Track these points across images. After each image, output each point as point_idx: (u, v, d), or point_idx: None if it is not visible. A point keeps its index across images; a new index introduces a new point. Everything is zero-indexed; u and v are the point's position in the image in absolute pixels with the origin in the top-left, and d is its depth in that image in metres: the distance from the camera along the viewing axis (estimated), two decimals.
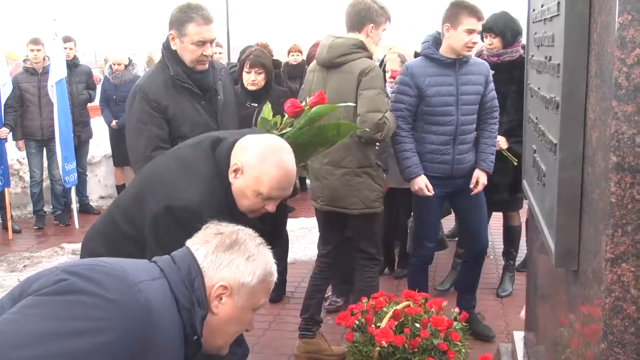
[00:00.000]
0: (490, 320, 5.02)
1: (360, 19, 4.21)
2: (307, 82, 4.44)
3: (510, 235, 5.83)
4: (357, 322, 3.55)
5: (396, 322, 3.44)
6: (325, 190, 4.34)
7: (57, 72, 7.83)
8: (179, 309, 1.90)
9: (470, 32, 4.32)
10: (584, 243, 1.95)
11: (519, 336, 3.51)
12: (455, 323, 3.54)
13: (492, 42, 5.36)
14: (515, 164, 5.10)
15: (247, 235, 2.09)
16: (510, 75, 5.16)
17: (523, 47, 5.02)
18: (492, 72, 5.07)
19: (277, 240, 4.46)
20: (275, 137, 2.91)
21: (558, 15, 2.14)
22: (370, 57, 4.27)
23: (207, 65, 3.69)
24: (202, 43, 3.58)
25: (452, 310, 3.68)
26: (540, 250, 2.78)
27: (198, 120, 3.63)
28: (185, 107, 3.64)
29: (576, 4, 1.95)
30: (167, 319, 1.85)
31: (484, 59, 5.29)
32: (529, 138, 3.01)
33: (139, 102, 3.59)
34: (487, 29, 5.30)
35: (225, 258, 2.01)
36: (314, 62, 4.47)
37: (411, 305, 3.57)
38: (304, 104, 3.29)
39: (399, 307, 3.53)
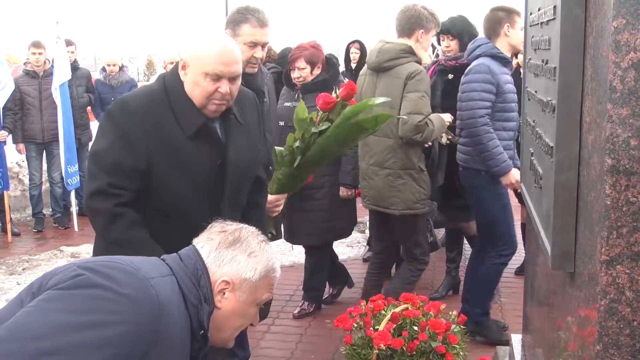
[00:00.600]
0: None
1: (411, 25, 4.41)
2: (358, 85, 4.52)
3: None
4: (355, 325, 3.55)
5: (394, 325, 3.45)
6: (371, 190, 4.58)
7: (62, 75, 7.85)
8: (187, 305, 1.97)
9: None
10: (580, 245, 1.97)
11: (516, 339, 3.52)
12: (453, 326, 3.54)
13: (449, 45, 5.33)
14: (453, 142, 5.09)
15: (250, 233, 2.16)
16: None
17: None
18: (450, 75, 5.18)
19: None
20: (218, 32, 3.18)
21: (554, 19, 2.15)
22: (419, 62, 4.44)
23: (256, 69, 3.70)
24: (254, 45, 3.57)
25: (450, 313, 3.68)
26: (537, 253, 2.79)
27: None
28: None
29: (572, 8, 1.97)
30: (176, 314, 1.92)
31: (440, 65, 5.36)
32: (527, 141, 3.02)
33: None
34: (445, 31, 5.27)
35: (228, 254, 2.08)
36: (365, 66, 4.68)
37: (409, 308, 3.58)
38: (334, 95, 3.41)
39: (397, 309, 3.54)
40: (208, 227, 2.21)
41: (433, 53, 6.73)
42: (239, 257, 2.08)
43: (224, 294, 2.06)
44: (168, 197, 2.77)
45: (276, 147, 3.70)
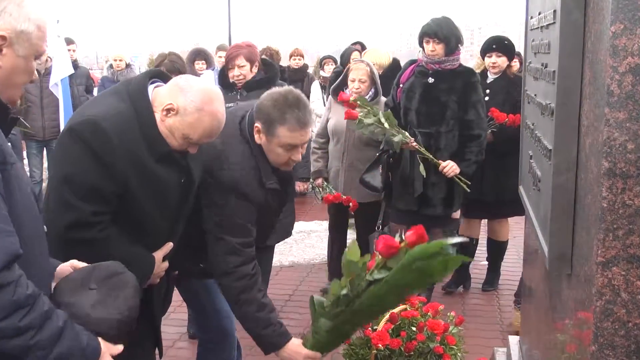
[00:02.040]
0: (486, 324, 5.05)
1: None
2: None
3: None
4: None
5: (393, 326, 3.46)
6: None
7: (62, 70, 7.87)
8: None
9: None
10: (577, 247, 1.99)
11: (514, 340, 3.54)
12: (451, 327, 3.56)
13: (435, 49, 5.03)
14: (469, 190, 5.03)
15: None
16: (452, 84, 5.03)
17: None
18: (431, 80, 5.04)
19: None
20: (211, 85, 3.01)
21: (554, 23, 2.17)
22: None
23: (291, 167, 3.28)
24: (292, 147, 3.08)
25: (449, 314, 3.70)
26: (534, 255, 2.81)
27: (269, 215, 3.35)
28: (264, 208, 3.22)
29: (571, 13, 1.99)
30: None
31: (420, 66, 5.16)
32: (526, 144, 3.04)
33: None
34: (432, 34, 5.05)
35: None
36: None
37: (408, 308, 3.59)
38: (398, 240, 2.62)
39: (395, 310, 3.55)
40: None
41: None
42: (10, 9, 1.92)
43: (1, 50, 1.91)
44: (136, 217, 2.73)
45: (315, 296, 3.00)
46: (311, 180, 5.75)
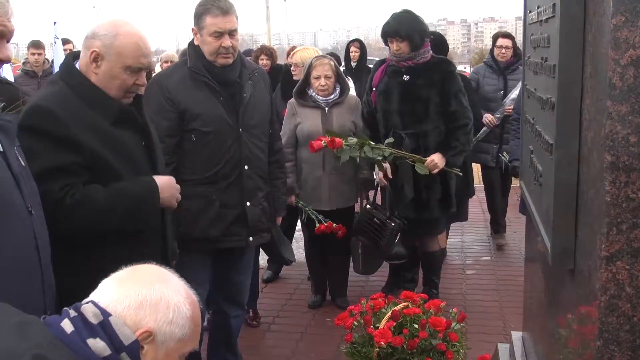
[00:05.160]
0: (489, 320, 5.04)
1: None
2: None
3: (431, 263, 5.42)
4: (356, 323, 3.56)
5: (395, 323, 3.46)
6: None
7: None
8: None
9: None
10: (580, 242, 1.97)
11: (517, 336, 3.53)
12: (453, 324, 3.55)
13: (400, 47, 4.88)
14: (461, 174, 5.03)
15: None
16: (430, 77, 4.91)
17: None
18: (406, 77, 4.93)
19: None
20: (113, 18, 3.15)
21: (554, 16, 2.16)
22: None
23: (229, 60, 3.61)
24: (219, 34, 3.51)
25: (451, 310, 3.69)
26: (537, 250, 2.80)
27: (212, 115, 3.59)
28: (200, 101, 3.59)
29: (571, 6, 1.97)
30: None
31: (390, 64, 5.04)
32: (526, 139, 3.03)
33: (154, 94, 3.55)
34: (393, 33, 4.89)
35: None
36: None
37: (410, 306, 3.59)
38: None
39: (397, 307, 3.55)
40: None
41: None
42: None
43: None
44: (112, 181, 2.72)
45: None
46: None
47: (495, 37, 6.95)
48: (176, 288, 1.57)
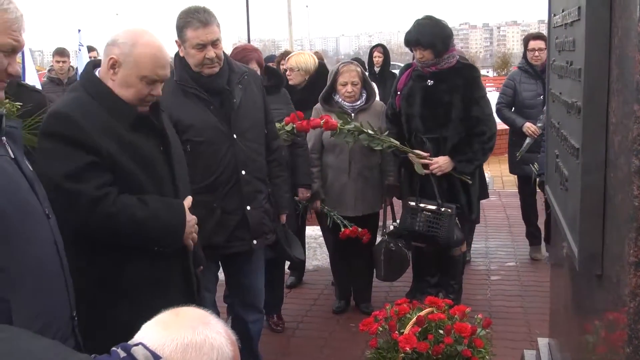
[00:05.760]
0: (514, 326, 5.00)
1: None
2: None
3: (451, 267, 5.39)
4: (380, 328, 3.55)
5: (420, 329, 3.44)
6: None
7: None
8: None
9: None
10: (608, 247, 1.95)
11: (543, 342, 3.50)
12: (479, 330, 3.53)
13: (423, 55, 4.91)
14: (470, 182, 4.99)
15: None
16: (453, 83, 4.91)
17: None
18: (430, 82, 4.93)
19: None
20: (136, 26, 3.13)
21: (579, 20, 2.14)
22: None
23: (215, 69, 3.63)
24: (202, 46, 3.53)
25: (476, 316, 3.67)
26: (563, 255, 2.77)
27: (204, 124, 3.61)
28: (190, 112, 3.61)
29: (597, 9, 1.96)
30: None
31: (416, 70, 5.05)
32: (551, 143, 3.01)
33: None
34: (414, 42, 4.91)
35: None
36: None
37: (435, 311, 3.57)
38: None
39: (422, 313, 3.53)
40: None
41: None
42: None
43: None
44: (134, 190, 2.75)
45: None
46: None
47: (526, 40, 6.66)
48: (217, 330, 1.60)
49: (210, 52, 3.55)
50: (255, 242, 3.83)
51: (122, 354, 1.55)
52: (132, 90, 2.74)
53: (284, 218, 4.27)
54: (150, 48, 2.75)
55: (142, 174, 2.77)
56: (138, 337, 1.59)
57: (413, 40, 4.91)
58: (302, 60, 5.68)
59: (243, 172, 3.71)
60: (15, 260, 2.00)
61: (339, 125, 4.74)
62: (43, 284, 2.11)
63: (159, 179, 2.85)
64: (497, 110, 6.54)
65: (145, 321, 1.59)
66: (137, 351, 1.54)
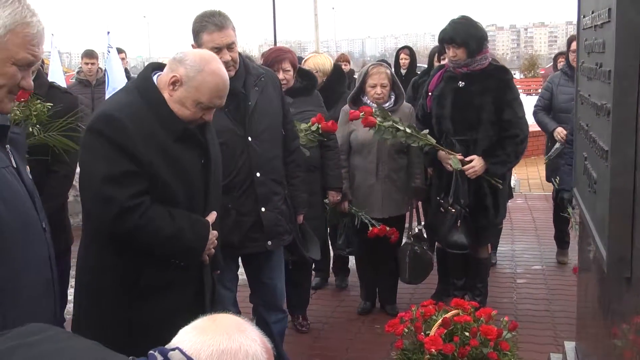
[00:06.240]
0: (540, 329, 4.97)
1: None
2: None
3: (477, 269, 5.35)
4: (406, 330, 3.55)
5: (445, 331, 3.44)
6: None
7: (116, 82, 8.00)
8: None
9: None
10: (637, 250, 1.94)
11: (570, 346, 3.47)
12: (504, 332, 3.52)
13: (456, 54, 4.87)
14: (501, 186, 4.95)
15: None
16: (484, 85, 4.89)
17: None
18: (462, 83, 4.90)
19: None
20: (206, 50, 3.15)
21: (609, 21, 2.13)
22: None
23: (231, 73, 3.54)
24: (217, 50, 3.47)
25: (502, 319, 3.65)
26: (591, 258, 2.76)
27: (220, 127, 3.54)
28: None
29: (627, 11, 1.95)
30: None
31: (448, 71, 5.04)
32: (580, 145, 2.99)
33: None
34: (449, 40, 4.89)
35: None
36: None
37: (460, 313, 3.57)
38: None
39: (448, 315, 3.53)
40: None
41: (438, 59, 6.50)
42: None
43: None
44: (166, 199, 2.79)
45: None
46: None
47: (569, 41, 6.44)
48: (253, 337, 1.62)
49: (226, 56, 3.53)
50: (270, 243, 3.84)
51: (160, 357, 1.57)
52: (186, 111, 2.78)
53: (300, 218, 4.27)
54: (215, 77, 2.78)
55: (178, 185, 2.80)
56: (175, 342, 1.62)
57: (447, 37, 4.90)
58: (319, 62, 5.75)
59: (258, 174, 3.72)
60: (8, 268, 1.99)
61: (377, 121, 4.72)
62: (33, 305, 2.09)
63: (193, 192, 2.88)
64: (534, 113, 6.47)
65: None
66: (174, 356, 1.57)
